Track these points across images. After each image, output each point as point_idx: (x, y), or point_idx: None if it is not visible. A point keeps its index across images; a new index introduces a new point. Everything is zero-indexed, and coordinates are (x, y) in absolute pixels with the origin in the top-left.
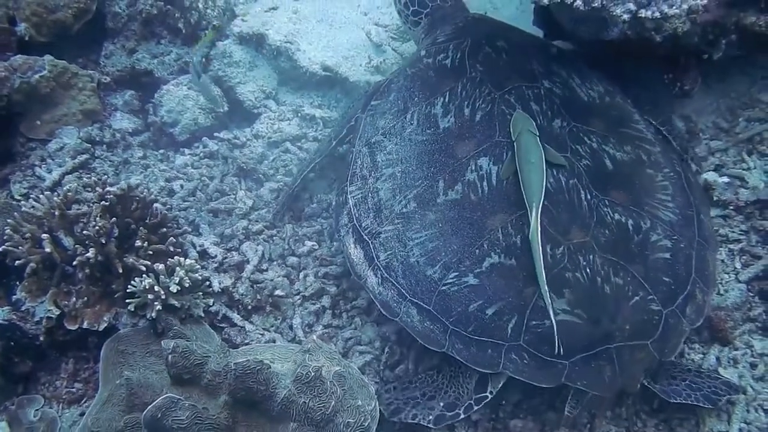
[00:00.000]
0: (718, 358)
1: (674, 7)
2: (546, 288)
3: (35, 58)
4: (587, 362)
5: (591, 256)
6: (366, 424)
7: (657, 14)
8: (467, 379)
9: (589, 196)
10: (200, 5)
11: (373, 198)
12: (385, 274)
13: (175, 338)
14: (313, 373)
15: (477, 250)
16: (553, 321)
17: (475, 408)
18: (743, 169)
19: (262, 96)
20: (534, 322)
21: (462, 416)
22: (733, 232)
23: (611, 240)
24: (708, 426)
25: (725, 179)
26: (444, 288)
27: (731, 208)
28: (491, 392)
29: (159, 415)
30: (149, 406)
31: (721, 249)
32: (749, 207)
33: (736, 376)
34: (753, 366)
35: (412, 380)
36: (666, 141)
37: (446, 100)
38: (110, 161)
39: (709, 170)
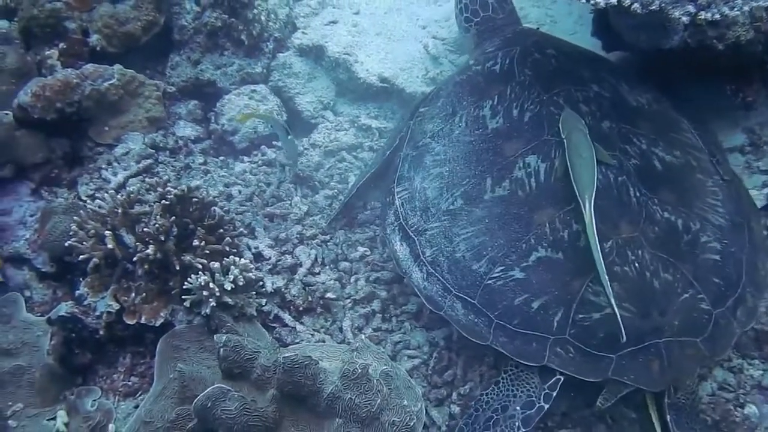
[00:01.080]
0: None
1: (735, 9)
2: (606, 278)
3: (105, 67)
4: (635, 356)
5: (640, 251)
6: (411, 424)
7: (717, 16)
8: (530, 375)
9: (638, 193)
10: (263, 18)
11: (420, 197)
12: (431, 269)
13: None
14: (360, 370)
15: (524, 245)
16: (616, 311)
17: (553, 394)
18: None
19: (320, 107)
20: (581, 316)
21: (546, 407)
22: None
23: (660, 237)
24: None
25: None
26: (489, 282)
27: None
28: (560, 374)
29: (209, 404)
30: (200, 395)
31: None
32: None
33: None
34: None
35: (477, 407)
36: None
37: (495, 102)
38: (172, 166)
39: None
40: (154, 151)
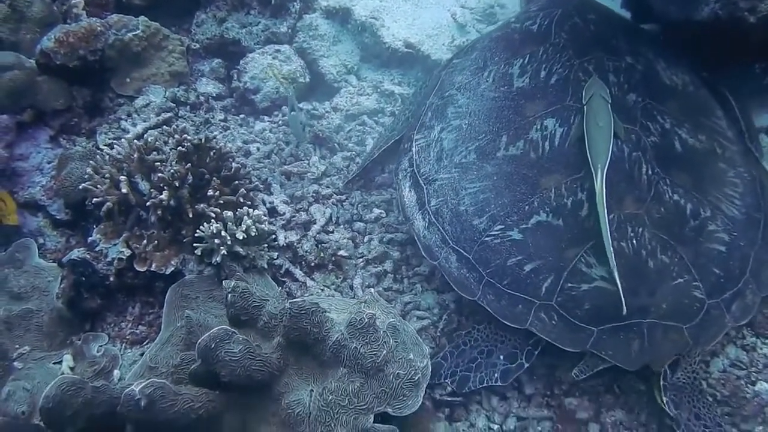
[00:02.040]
0: None
1: None
2: (611, 249)
3: (130, 18)
4: (616, 332)
5: (640, 229)
6: (416, 378)
7: None
8: (517, 330)
9: (650, 171)
10: None
11: (436, 147)
12: (433, 219)
13: None
14: (366, 320)
15: (527, 206)
16: (618, 282)
17: (535, 353)
18: None
19: (344, 70)
20: (569, 285)
21: (525, 365)
22: None
23: (665, 218)
24: None
25: None
26: (487, 239)
27: None
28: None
29: (213, 345)
30: (204, 335)
31: None
32: None
33: None
34: None
35: (465, 341)
36: (745, 145)
37: (525, 61)
38: (192, 121)
39: None
40: (174, 105)
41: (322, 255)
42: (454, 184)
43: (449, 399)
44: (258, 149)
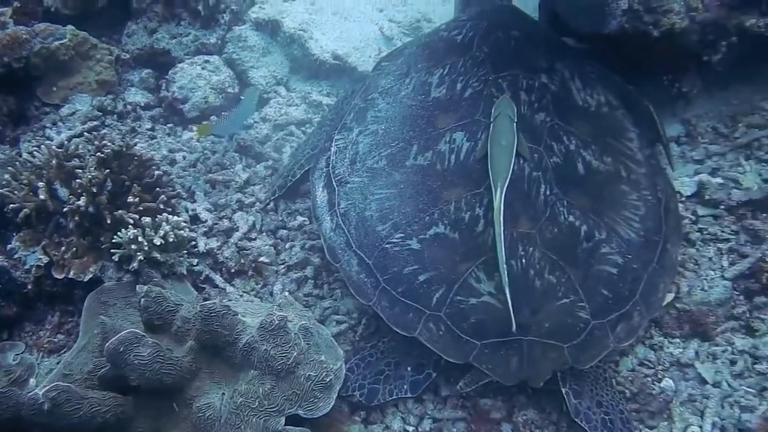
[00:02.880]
0: (697, 353)
1: None
2: (505, 266)
3: (57, 27)
4: (497, 348)
5: (530, 248)
6: (328, 380)
7: None
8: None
9: (548, 192)
10: None
11: (352, 149)
12: (340, 222)
13: None
14: (277, 321)
15: (427, 217)
16: (509, 299)
17: (441, 361)
18: (739, 173)
19: (273, 81)
20: (459, 298)
21: (433, 375)
22: (723, 231)
23: (558, 239)
24: (680, 420)
25: (719, 180)
26: (387, 246)
27: (722, 207)
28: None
29: (122, 349)
30: (112, 338)
31: (709, 247)
32: (741, 207)
33: (714, 371)
34: (732, 363)
35: (371, 352)
36: (657, 167)
37: (444, 72)
38: (119, 130)
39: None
40: (101, 113)
41: (242, 261)
42: (364, 189)
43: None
44: (184, 158)
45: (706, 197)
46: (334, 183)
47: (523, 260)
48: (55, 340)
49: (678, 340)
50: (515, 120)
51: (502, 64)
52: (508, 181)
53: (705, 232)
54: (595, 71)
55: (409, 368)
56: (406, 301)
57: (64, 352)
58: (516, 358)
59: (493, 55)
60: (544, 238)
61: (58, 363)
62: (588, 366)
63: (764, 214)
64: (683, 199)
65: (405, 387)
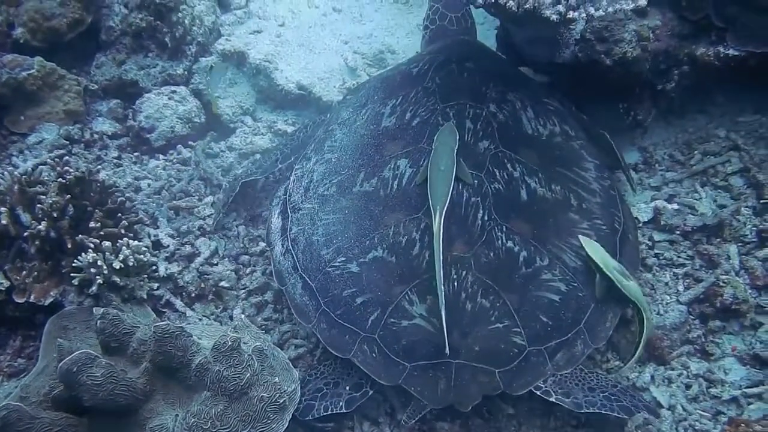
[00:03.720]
0: (652, 377)
1: (600, 9)
2: (442, 290)
3: (25, 58)
4: (426, 370)
5: (464, 272)
6: (281, 401)
7: (583, 14)
8: None
9: (486, 217)
10: (187, 21)
11: (308, 177)
12: (290, 246)
13: None
14: (230, 343)
15: (367, 242)
16: (444, 322)
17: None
18: (695, 199)
19: (240, 111)
20: (392, 320)
21: (370, 392)
22: (679, 256)
23: (493, 263)
24: None
25: (675, 206)
26: (329, 269)
27: (678, 233)
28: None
29: (74, 369)
30: (65, 359)
31: (665, 272)
32: (696, 233)
33: (668, 395)
34: (687, 387)
35: (310, 373)
36: (616, 198)
37: (396, 102)
38: (85, 158)
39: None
40: (68, 142)
41: (202, 285)
42: (313, 215)
43: (320, 425)
44: (149, 185)
45: (662, 222)
46: (288, 210)
47: (455, 283)
48: (15, 364)
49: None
50: (456, 147)
51: (451, 93)
52: (447, 205)
53: (661, 258)
54: (553, 102)
55: (347, 387)
56: (343, 323)
57: (24, 376)
58: (444, 380)
59: (444, 86)
60: (479, 262)
61: (16, 387)
62: (522, 392)
63: (718, 240)
64: (640, 224)
65: (341, 403)
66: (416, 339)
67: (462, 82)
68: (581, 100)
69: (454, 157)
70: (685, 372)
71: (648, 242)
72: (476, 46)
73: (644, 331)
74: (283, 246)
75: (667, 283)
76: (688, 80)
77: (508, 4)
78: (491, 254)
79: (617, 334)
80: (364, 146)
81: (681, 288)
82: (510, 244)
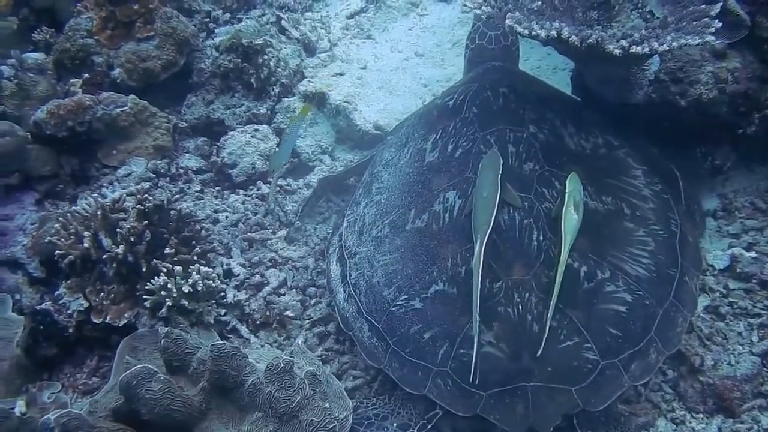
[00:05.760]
0: (720, 429)
1: (663, 45)
2: (477, 316)
3: (120, 96)
4: (502, 397)
5: (527, 294)
6: (331, 426)
7: (647, 49)
8: (417, 401)
9: (541, 237)
10: (272, 63)
11: (360, 222)
12: (352, 291)
13: None
14: (282, 365)
15: (427, 276)
16: (475, 350)
17: (429, 426)
18: None
19: (319, 150)
20: (462, 351)
21: None
22: (755, 306)
23: None
24: None
25: (753, 254)
26: (394, 309)
27: (755, 281)
28: (439, 409)
29: (134, 383)
30: (126, 372)
31: (739, 322)
32: None
33: None
34: None
35: (363, 402)
36: (668, 201)
37: (437, 136)
38: (169, 191)
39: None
40: (155, 176)
41: (268, 313)
42: (370, 257)
43: None
44: (226, 217)
45: (738, 270)
46: (345, 255)
47: (520, 306)
48: (90, 382)
49: (701, 415)
50: (500, 172)
51: (489, 120)
52: (489, 231)
53: (735, 306)
54: (593, 117)
55: (395, 424)
56: (414, 360)
57: (96, 394)
58: (521, 404)
59: (481, 114)
60: (540, 283)
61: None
62: (602, 407)
63: None
64: (716, 272)
65: None
66: (488, 367)
67: (499, 108)
68: (657, 144)
69: (498, 183)
70: (755, 426)
71: (722, 290)
72: (507, 70)
73: (559, 269)
74: (345, 292)
75: (740, 333)
76: None
77: (570, 39)
78: (551, 274)
79: (684, 383)
80: (411, 184)
81: (755, 339)
82: (569, 261)
